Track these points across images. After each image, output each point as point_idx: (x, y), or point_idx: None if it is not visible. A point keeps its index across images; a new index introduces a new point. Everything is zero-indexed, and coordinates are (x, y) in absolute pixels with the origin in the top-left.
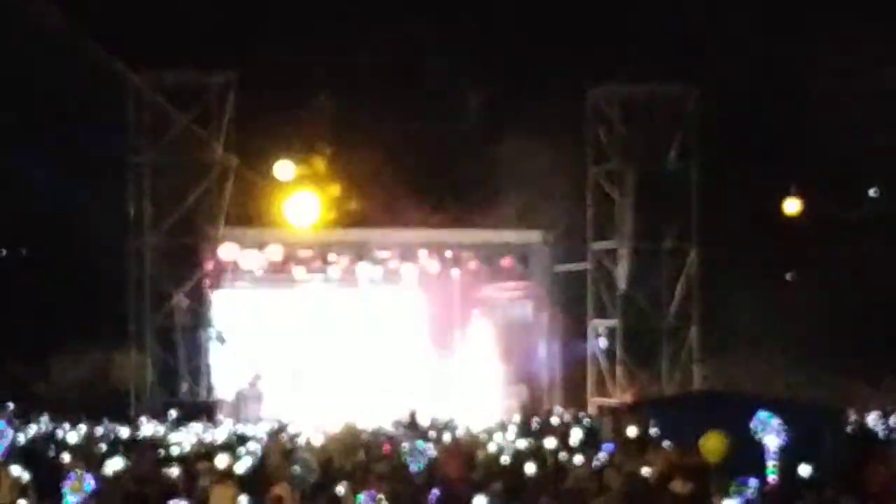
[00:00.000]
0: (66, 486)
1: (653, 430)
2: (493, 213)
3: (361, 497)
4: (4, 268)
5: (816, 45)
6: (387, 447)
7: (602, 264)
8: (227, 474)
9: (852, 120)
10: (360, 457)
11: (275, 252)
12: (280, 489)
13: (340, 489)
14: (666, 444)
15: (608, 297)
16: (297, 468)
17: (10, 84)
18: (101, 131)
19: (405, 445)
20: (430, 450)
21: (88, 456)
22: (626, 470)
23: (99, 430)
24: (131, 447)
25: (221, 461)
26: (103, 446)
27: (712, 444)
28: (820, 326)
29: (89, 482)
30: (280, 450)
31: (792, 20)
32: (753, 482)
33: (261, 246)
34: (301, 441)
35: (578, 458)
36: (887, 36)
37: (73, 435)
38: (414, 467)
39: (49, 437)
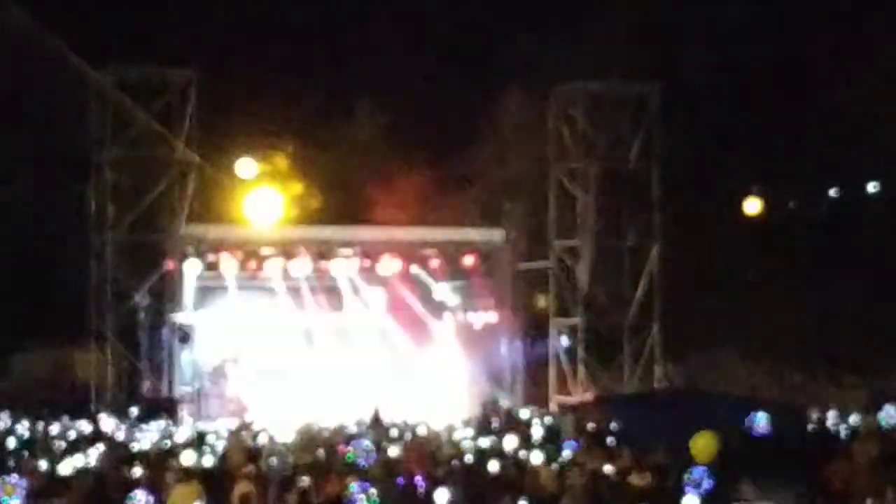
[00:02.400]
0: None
1: (614, 428)
2: (456, 210)
3: (354, 486)
4: None
5: (779, 44)
6: (342, 448)
7: (564, 262)
8: (190, 472)
9: (814, 120)
10: (320, 454)
11: (235, 250)
12: (244, 486)
13: (306, 479)
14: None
15: (570, 295)
16: (273, 460)
17: None
18: (63, 128)
19: (354, 445)
20: (375, 452)
21: (47, 453)
22: (589, 468)
23: (58, 427)
24: (92, 444)
25: (184, 459)
26: (62, 443)
27: (703, 444)
28: (780, 325)
29: (20, 481)
30: (241, 447)
31: (754, 19)
32: (704, 473)
33: (223, 243)
34: (263, 438)
35: (540, 456)
36: (849, 35)
37: (31, 431)
38: (361, 463)
39: (8, 433)
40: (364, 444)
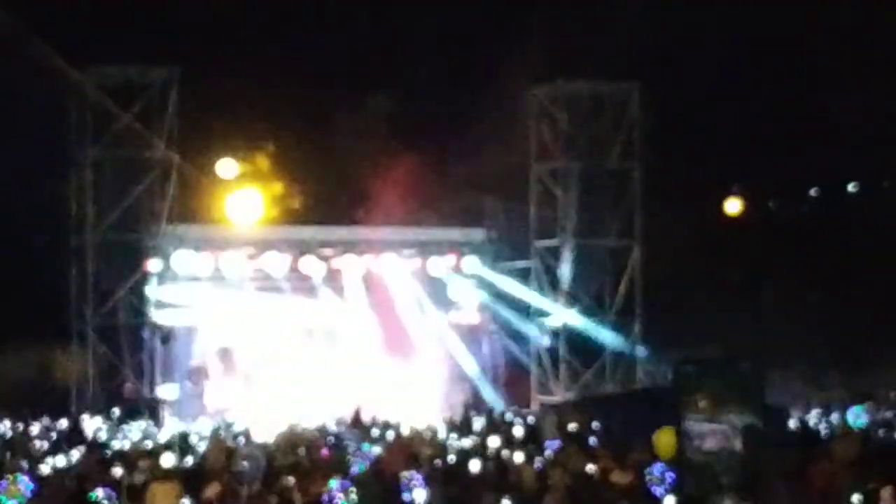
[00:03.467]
0: (1, 492)
1: (595, 427)
2: (438, 210)
3: (334, 483)
4: None
5: (759, 44)
6: (325, 452)
7: (546, 262)
8: (170, 472)
9: (793, 120)
10: (301, 454)
11: (216, 249)
12: (211, 490)
13: (290, 479)
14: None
15: (552, 294)
16: (244, 464)
17: None
18: (43, 128)
19: (349, 446)
20: (372, 452)
21: (27, 453)
22: (571, 467)
23: (38, 428)
24: (73, 445)
25: (165, 460)
26: (45, 444)
27: (665, 440)
28: (761, 324)
29: (28, 484)
30: (220, 448)
31: (735, 20)
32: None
33: (203, 243)
34: (242, 439)
35: (522, 456)
36: (828, 37)
37: (12, 431)
38: (356, 468)
39: None
40: (363, 446)
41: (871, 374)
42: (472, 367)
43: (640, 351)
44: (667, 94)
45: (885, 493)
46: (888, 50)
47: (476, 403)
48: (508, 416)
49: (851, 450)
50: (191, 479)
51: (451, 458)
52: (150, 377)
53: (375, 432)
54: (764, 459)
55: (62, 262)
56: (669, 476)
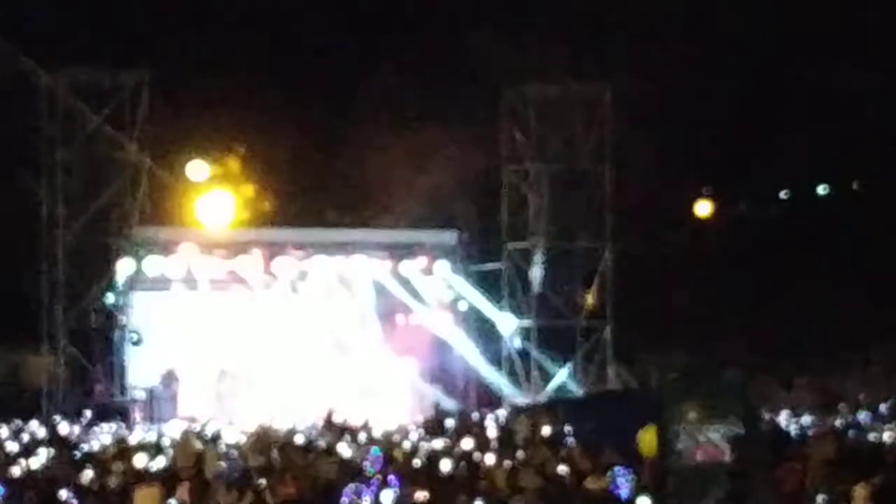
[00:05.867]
0: None
1: (567, 430)
2: (408, 212)
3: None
4: None
5: (729, 45)
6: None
7: (517, 264)
8: (148, 475)
9: (763, 121)
10: (274, 455)
11: (187, 252)
12: (182, 491)
13: (262, 481)
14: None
15: (523, 296)
16: (221, 464)
17: None
18: (13, 130)
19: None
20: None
21: None
22: (542, 469)
23: (8, 430)
24: (44, 447)
25: (138, 461)
26: (15, 446)
27: (649, 439)
28: (731, 326)
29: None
30: (189, 450)
31: (706, 20)
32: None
33: (174, 245)
34: (214, 441)
35: (494, 458)
36: (803, 37)
37: None
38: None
39: None
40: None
41: (841, 377)
42: (442, 369)
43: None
44: (637, 96)
45: (858, 491)
46: (860, 50)
47: (446, 405)
48: (476, 416)
49: (827, 450)
50: (166, 481)
51: (422, 459)
52: (120, 379)
53: (347, 435)
54: (752, 470)
55: (33, 264)
56: (625, 478)
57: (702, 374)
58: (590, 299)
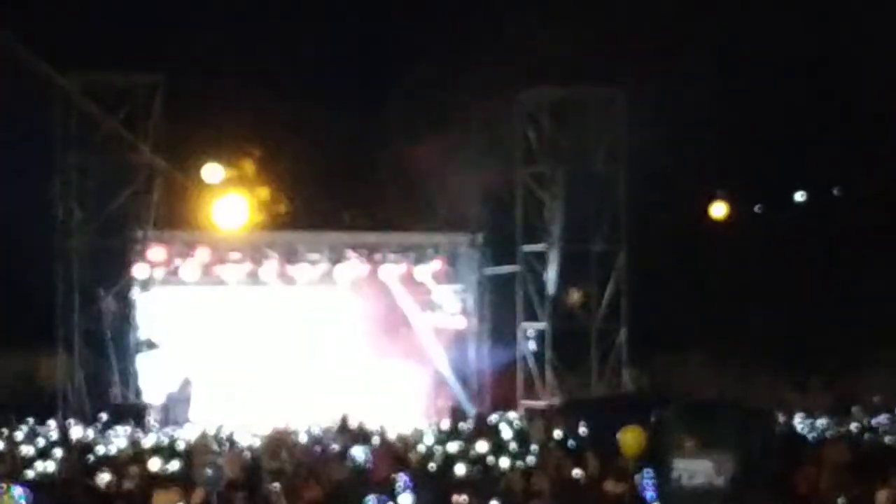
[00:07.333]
0: None
1: (582, 432)
2: (422, 215)
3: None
4: None
5: (745, 46)
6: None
7: (531, 266)
8: (166, 479)
9: (779, 123)
10: (284, 458)
11: (203, 255)
12: (197, 496)
13: (276, 485)
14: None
15: (537, 299)
16: (208, 471)
17: None
18: (28, 133)
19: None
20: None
21: (13, 460)
22: (556, 472)
23: (24, 433)
24: (59, 450)
25: (153, 465)
26: (31, 450)
27: (630, 439)
28: (747, 329)
29: (21, 493)
30: (204, 453)
31: (721, 21)
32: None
33: (189, 249)
34: (227, 444)
35: (508, 461)
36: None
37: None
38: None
39: None
40: None
41: (856, 379)
42: (458, 372)
43: None
44: (652, 98)
45: (881, 496)
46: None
47: (462, 408)
48: (493, 418)
49: (842, 454)
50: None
51: (438, 462)
52: (135, 382)
53: (362, 437)
54: (746, 496)
55: (48, 267)
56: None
57: (699, 409)
58: (575, 296)
